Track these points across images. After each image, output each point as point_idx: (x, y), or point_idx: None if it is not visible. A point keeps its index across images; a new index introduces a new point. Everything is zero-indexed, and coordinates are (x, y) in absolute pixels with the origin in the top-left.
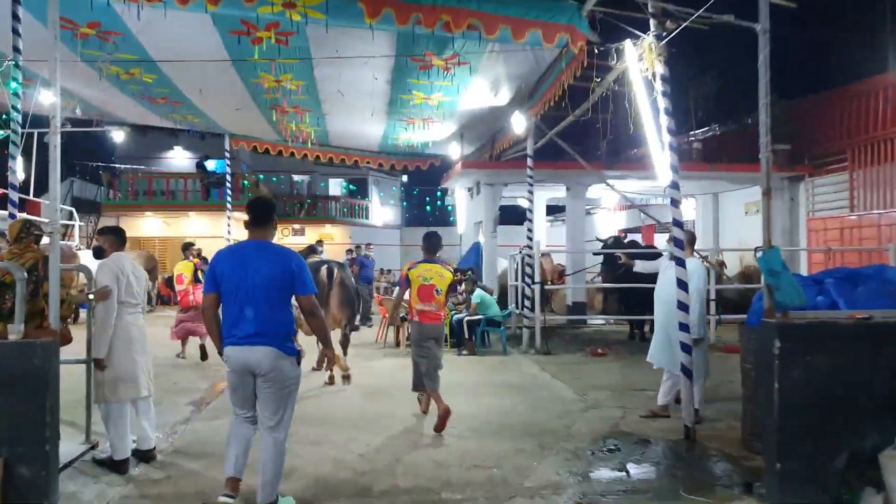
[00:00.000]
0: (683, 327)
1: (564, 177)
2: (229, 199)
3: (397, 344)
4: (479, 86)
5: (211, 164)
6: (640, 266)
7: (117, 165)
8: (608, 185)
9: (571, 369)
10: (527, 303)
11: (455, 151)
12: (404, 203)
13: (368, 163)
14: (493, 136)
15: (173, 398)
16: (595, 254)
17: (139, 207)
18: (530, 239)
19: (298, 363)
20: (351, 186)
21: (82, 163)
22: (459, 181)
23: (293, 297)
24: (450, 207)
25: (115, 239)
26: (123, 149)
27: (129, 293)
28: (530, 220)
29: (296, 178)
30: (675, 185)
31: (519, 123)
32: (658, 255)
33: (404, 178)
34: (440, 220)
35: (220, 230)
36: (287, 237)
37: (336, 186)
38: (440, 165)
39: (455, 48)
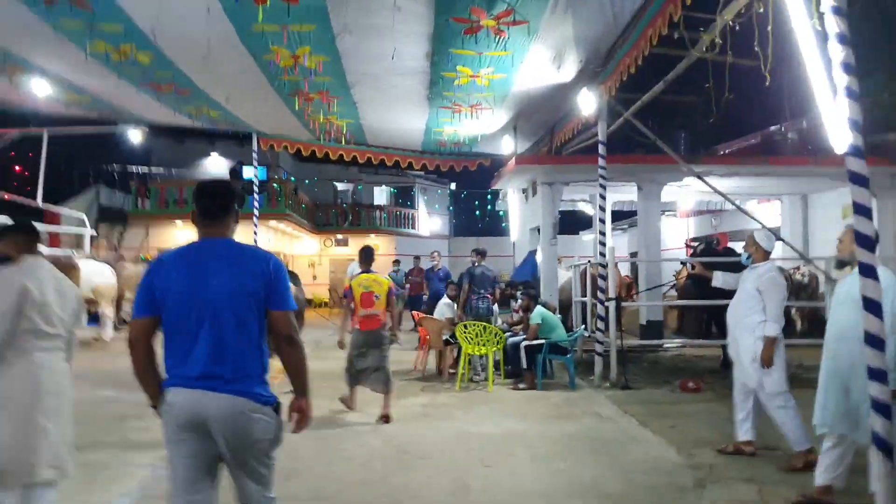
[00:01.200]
0: (877, 375)
1: (636, 173)
2: (256, 206)
3: (440, 372)
4: (538, 56)
5: (249, 172)
6: (719, 280)
7: (140, 169)
8: (702, 180)
9: (662, 411)
10: (598, 323)
11: (508, 147)
12: (451, 209)
13: (411, 164)
14: (551, 127)
15: (124, 456)
16: (683, 262)
17: (169, 216)
18: (603, 244)
19: (277, 412)
20: (392, 189)
21: (111, 169)
22: (512, 181)
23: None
24: (501, 213)
25: (20, 239)
26: (160, 156)
27: (45, 318)
28: (602, 222)
29: (339, 186)
30: (856, 151)
31: (587, 103)
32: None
33: (452, 185)
34: (490, 229)
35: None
36: (330, 248)
37: (381, 195)
38: (490, 166)
39: (509, 2)
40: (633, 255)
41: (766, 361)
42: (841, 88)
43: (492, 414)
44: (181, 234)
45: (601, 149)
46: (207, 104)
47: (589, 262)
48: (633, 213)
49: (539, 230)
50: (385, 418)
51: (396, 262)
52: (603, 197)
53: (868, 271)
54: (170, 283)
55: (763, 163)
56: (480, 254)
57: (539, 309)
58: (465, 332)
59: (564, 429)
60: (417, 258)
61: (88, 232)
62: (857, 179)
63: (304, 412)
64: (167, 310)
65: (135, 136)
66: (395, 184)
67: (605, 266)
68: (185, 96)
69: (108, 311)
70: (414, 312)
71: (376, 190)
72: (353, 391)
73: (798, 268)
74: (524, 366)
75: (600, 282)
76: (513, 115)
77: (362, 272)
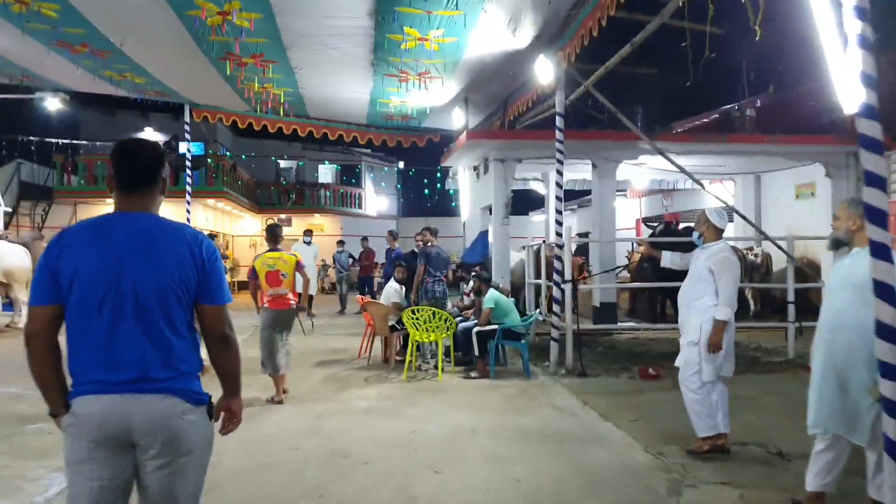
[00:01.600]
0: (890, 371)
1: (592, 150)
2: (189, 183)
3: (385, 360)
4: (492, 17)
5: (185, 148)
6: (667, 260)
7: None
8: (667, 158)
9: (623, 402)
10: (553, 307)
11: (458, 121)
12: (399, 188)
13: (355, 138)
14: (504, 100)
15: (17, 466)
16: (638, 242)
17: (98, 194)
18: (559, 224)
19: (211, 417)
20: (337, 167)
21: (32, 142)
22: (463, 158)
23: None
24: (452, 192)
25: None
26: (88, 129)
27: None
28: (560, 200)
29: (282, 163)
30: (869, 111)
31: (544, 71)
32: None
33: (400, 163)
34: (440, 208)
35: (193, 218)
36: None
37: (326, 173)
38: (440, 142)
39: None
40: (583, 235)
41: (714, 346)
42: (853, 37)
43: (441, 408)
44: (110, 211)
45: (559, 121)
46: (131, 68)
47: (544, 242)
48: (583, 193)
49: (490, 210)
50: (279, 401)
51: (341, 242)
52: (560, 173)
53: (880, 251)
54: (77, 266)
55: (721, 140)
56: (433, 233)
57: (492, 292)
58: (412, 318)
59: (520, 424)
60: (365, 239)
61: (1, 210)
62: (870, 144)
63: (234, 413)
64: (73, 299)
65: (53, 104)
66: (340, 161)
67: (561, 247)
68: (104, 59)
69: (21, 295)
70: (359, 297)
71: (321, 168)
72: (277, 379)
73: (751, 248)
74: (476, 353)
75: (557, 263)
76: (464, 86)
77: (268, 250)
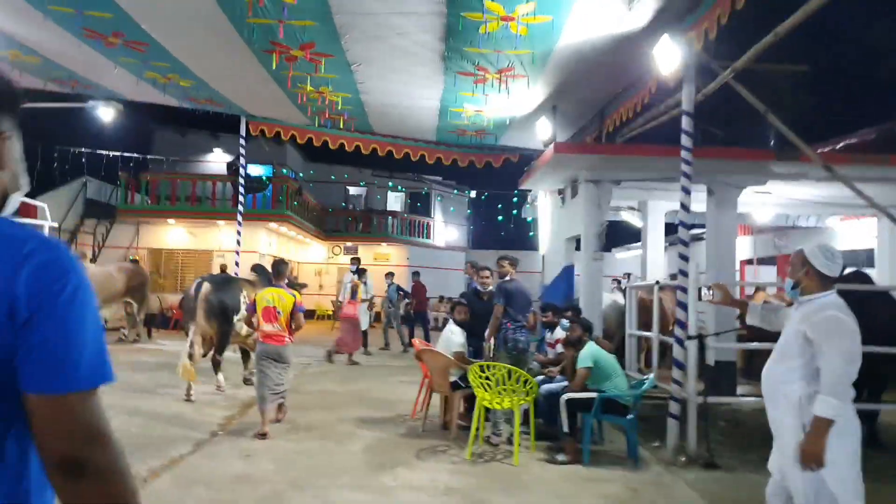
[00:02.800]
0: None
1: (708, 172)
2: (241, 203)
3: (445, 425)
4: None
5: (255, 171)
6: (756, 315)
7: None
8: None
9: None
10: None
11: (544, 132)
12: (470, 214)
13: (423, 156)
14: (601, 108)
15: None
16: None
17: (160, 213)
18: (684, 259)
19: None
20: (401, 189)
21: (100, 157)
22: (547, 179)
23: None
24: (530, 220)
25: None
26: (160, 148)
27: None
28: (684, 226)
29: (351, 190)
30: None
31: (668, 57)
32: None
33: (472, 192)
34: (514, 240)
35: (254, 243)
36: (339, 255)
37: (396, 201)
38: (519, 162)
39: None
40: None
41: (810, 456)
42: None
43: None
44: (174, 232)
45: (685, 122)
46: (173, 67)
47: (657, 283)
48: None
49: (578, 242)
50: (262, 435)
51: (389, 274)
52: (687, 192)
53: None
54: None
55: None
56: (513, 263)
57: (591, 346)
58: (481, 376)
59: None
60: (416, 273)
61: (48, 224)
62: None
63: None
64: None
65: (108, 114)
66: (409, 188)
67: (684, 290)
68: (141, 53)
69: None
70: (414, 340)
71: (390, 195)
72: (262, 411)
73: None
74: (565, 427)
75: (680, 312)
76: (553, 90)
77: (271, 285)
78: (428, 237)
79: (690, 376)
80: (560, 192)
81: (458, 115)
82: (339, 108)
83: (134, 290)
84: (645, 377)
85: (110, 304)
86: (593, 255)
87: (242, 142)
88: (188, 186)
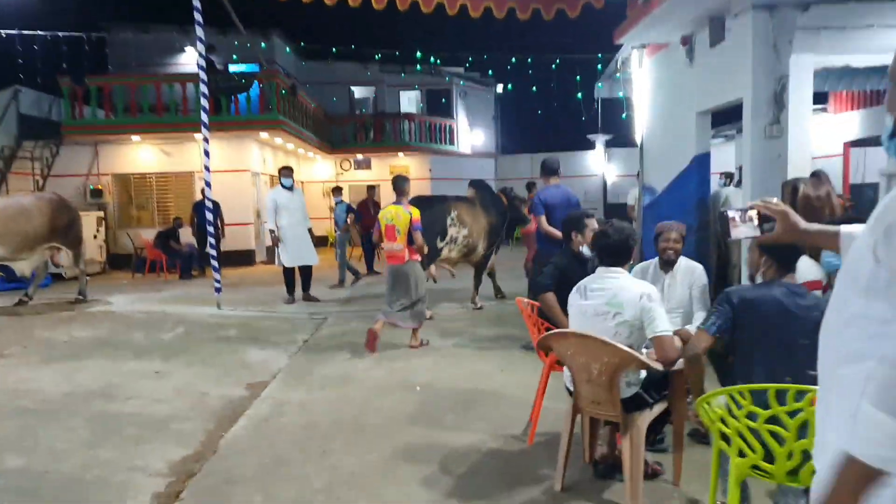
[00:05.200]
0: None
1: None
2: (204, 110)
3: (594, 461)
4: None
5: (232, 67)
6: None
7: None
8: None
9: None
10: None
11: None
12: (496, 116)
13: (465, 6)
14: None
15: None
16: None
17: (119, 127)
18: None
19: None
20: (415, 88)
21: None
22: (667, 20)
23: None
24: (620, 95)
25: None
26: (118, 54)
27: None
28: None
29: (356, 91)
30: None
31: None
32: None
33: (498, 87)
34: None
35: (243, 160)
36: (348, 171)
37: (410, 103)
38: (603, 10)
39: None
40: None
41: None
42: None
43: None
44: (143, 152)
45: None
46: None
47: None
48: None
49: (715, 116)
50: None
51: (337, 190)
52: None
53: None
54: None
55: None
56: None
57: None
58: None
59: None
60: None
61: None
62: None
63: None
64: None
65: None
66: (426, 86)
67: None
68: None
69: None
70: (519, 300)
71: (403, 96)
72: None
73: None
74: None
75: None
76: None
77: (393, 203)
78: (451, 143)
79: None
80: (685, 41)
81: None
82: None
83: (61, 230)
84: None
85: (29, 251)
86: (767, 131)
87: (199, 16)
88: (151, 92)
